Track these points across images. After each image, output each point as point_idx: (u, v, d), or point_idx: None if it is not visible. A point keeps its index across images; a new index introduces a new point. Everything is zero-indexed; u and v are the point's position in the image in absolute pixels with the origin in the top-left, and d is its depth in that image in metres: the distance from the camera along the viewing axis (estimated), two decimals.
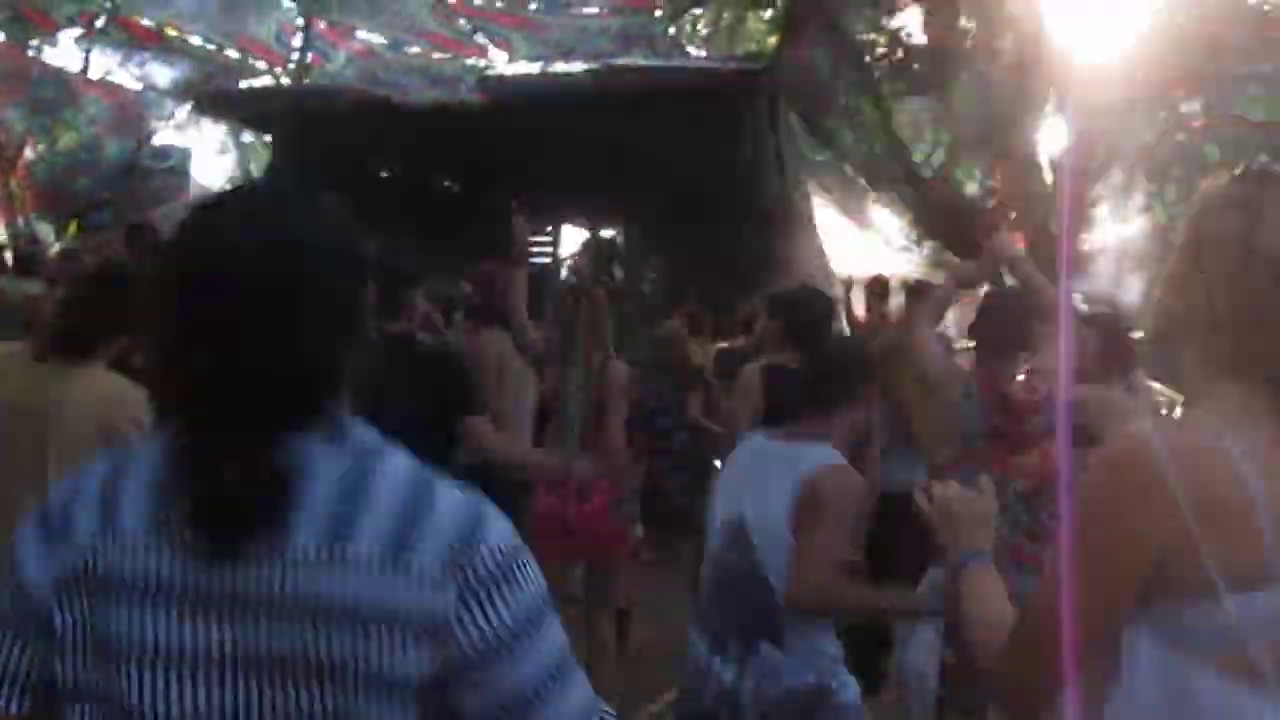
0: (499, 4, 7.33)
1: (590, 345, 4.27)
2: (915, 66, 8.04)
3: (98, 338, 2.50)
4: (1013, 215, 8.28)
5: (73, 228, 10.95)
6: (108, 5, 7.53)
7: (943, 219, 8.57)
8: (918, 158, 8.59)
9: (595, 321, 4.35)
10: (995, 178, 8.19)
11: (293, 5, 7.51)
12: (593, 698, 1.07)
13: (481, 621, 1.02)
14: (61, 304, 2.67)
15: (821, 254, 9.03)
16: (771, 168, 8.74)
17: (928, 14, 7.76)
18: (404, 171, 12.17)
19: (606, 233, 11.69)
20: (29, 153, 10.77)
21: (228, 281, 1.04)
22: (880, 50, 8.30)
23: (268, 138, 12.16)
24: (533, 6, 7.34)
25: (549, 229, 12.58)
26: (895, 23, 8.07)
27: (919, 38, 8.03)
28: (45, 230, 10.68)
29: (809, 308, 4.28)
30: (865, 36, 8.09)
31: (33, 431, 2.40)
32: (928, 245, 8.87)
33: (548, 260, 12.09)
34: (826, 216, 8.85)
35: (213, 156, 12.70)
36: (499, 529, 1.06)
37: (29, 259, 8.04)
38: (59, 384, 2.44)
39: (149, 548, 1.04)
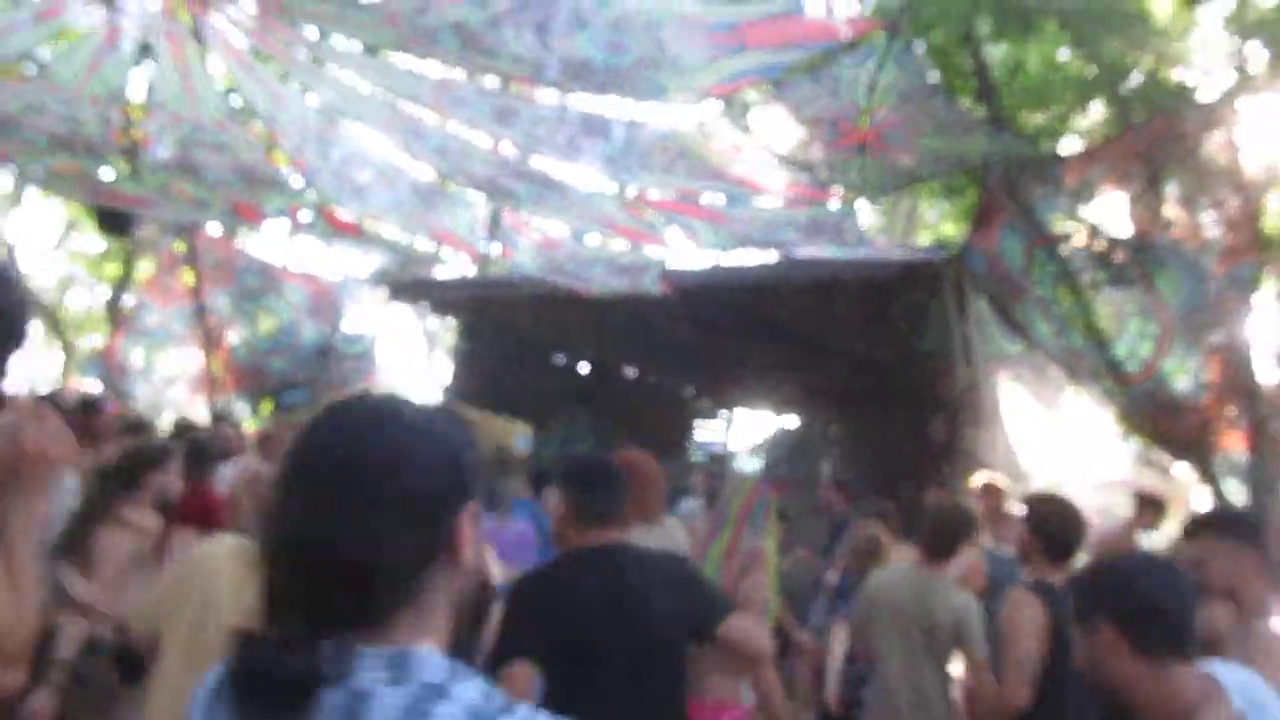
0: (682, 198, 7.38)
1: (736, 541, 4.01)
2: (1116, 256, 7.70)
3: None
4: (1231, 413, 7.69)
5: (268, 406, 11.40)
6: (314, 200, 7.90)
7: (1151, 416, 8.06)
8: (1121, 351, 8.15)
9: (752, 515, 4.09)
10: (1211, 372, 7.66)
11: (484, 198, 7.74)
12: None
13: None
14: None
15: (1010, 449, 8.59)
16: (959, 357, 8.44)
17: (1131, 202, 7.45)
18: (585, 358, 12.35)
19: (787, 422, 11.50)
20: (232, 336, 11.35)
21: (305, 474, 1.13)
22: (1078, 240, 7.99)
23: (454, 323, 12.56)
24: (708, 199, 7.37)
25: (724, 414, 12.49)
26: (1093, 211, 7.79)
27: (1120, 226, 7.72)
28: (242, 409, 11.12)
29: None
30: (1062, 227, 7.82)
31: None
32: (1134, 442, 8.35)
33: (722, 446, 11.96)
34: (1020, 410, 8.43)
35: (399, 342, 13.17)
36: None
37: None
38: None
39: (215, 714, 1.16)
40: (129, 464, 4.07)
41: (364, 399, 1.23)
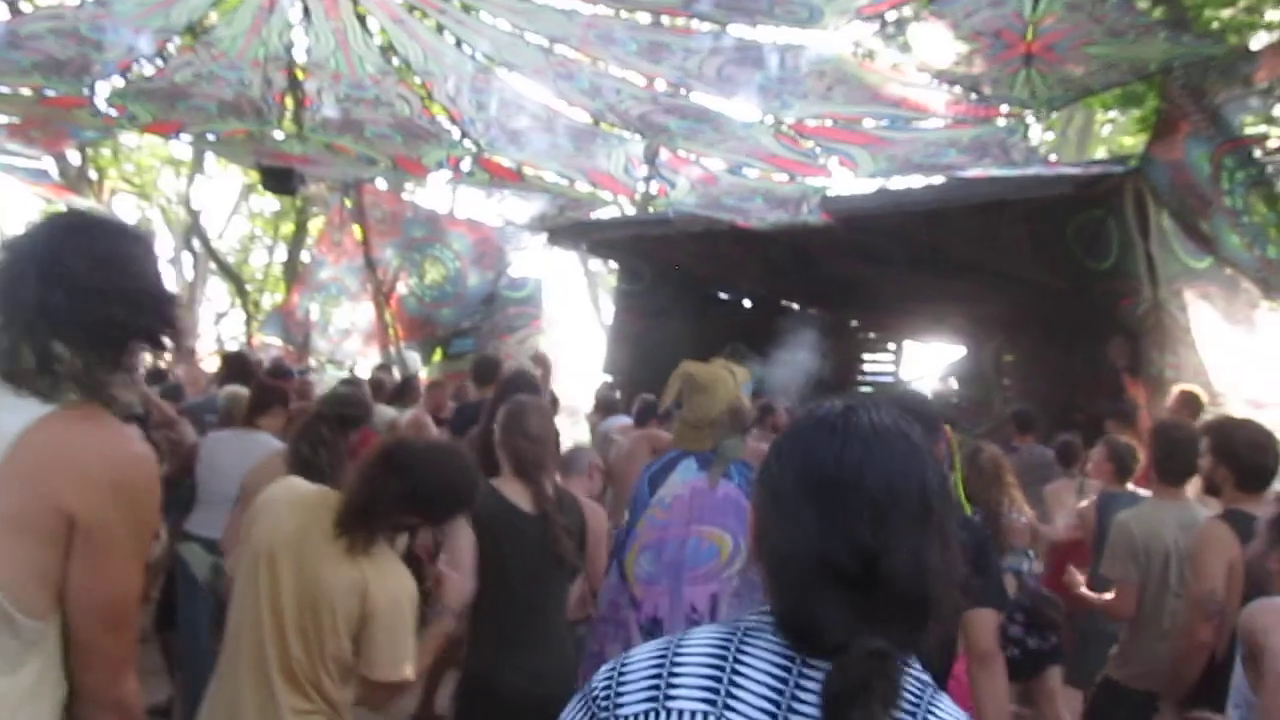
0: (841, 124, 7.16)
1: None
2: None
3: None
4: None
5: (438, 355, 11.71)
6: (472, 150, 7.99)
7: None
8: None
9: None
10: None
11: (639, 139, 7.68)
12: None
13: None
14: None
15: (1201, 372, 8.11)
16: (1141, 277, 7.98)
17: None
18: (748, 293, 12.26)
19: (957, 352, 11.17)
20: (401, 287, 11.66)
21: (863, 499, 1.10)
22: (1272, 142, 7.38)
23: (614, 265, 12.62)
24: (869, 124, 7.12)
25: (892, 346, 12.22)
26: None
27: None
28: (413, 358, 11.46)
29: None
30: (1254, 129, 7.23)
31: None
32: None
33: (890, 378, 11.73)
34: (1210, 330, 7.94)
35: (562, 284, 13.34)
36: None
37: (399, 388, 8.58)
38: None
39: None
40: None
41: (854, 406, 1.21)
